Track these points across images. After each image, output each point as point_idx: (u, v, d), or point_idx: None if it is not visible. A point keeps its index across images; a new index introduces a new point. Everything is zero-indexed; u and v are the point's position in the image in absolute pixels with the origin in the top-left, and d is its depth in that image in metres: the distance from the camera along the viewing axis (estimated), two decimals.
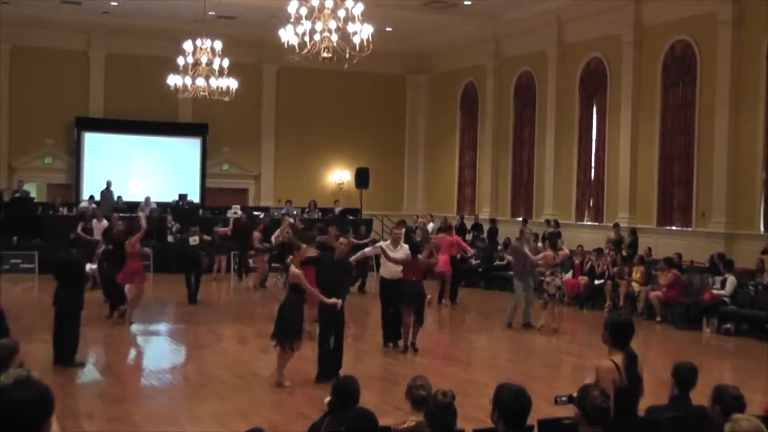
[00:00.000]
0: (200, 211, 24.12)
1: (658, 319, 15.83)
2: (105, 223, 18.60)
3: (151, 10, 23.24)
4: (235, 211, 22.99)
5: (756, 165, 17.53)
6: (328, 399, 5.29)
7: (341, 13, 12.33)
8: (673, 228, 19.49)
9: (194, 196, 25.70)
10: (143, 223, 14.57)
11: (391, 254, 12.33)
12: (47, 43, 25.02)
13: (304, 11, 12.39)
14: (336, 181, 28.66)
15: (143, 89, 25.13)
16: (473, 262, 20.54)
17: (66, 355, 10.59)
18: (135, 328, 13.91)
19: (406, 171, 29.67)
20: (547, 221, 21.43)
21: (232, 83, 19.29)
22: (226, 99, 19.31)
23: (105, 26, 25.02)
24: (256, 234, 19.04)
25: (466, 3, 22.17)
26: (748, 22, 17.72)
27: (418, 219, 24.09)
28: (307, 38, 12.46)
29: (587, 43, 22.01)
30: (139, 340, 13.46)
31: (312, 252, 11.32)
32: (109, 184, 24.07)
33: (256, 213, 22.84)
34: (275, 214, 22.46)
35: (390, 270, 12.46)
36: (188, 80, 19.12)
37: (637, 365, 5.50)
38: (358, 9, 12.28)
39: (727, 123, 17.89)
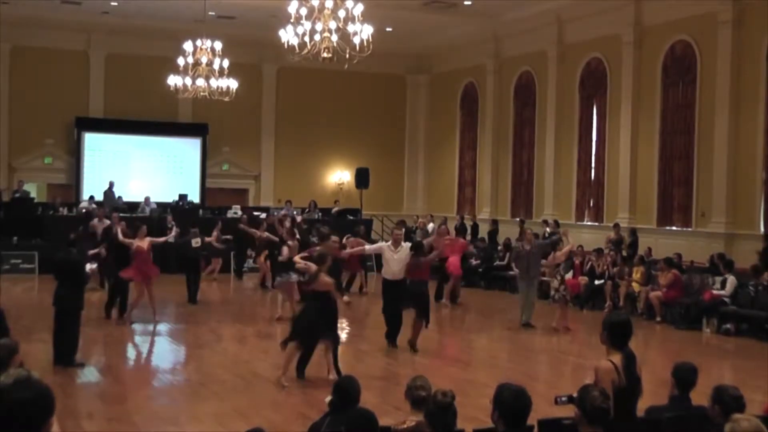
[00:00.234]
0: (200, 212, 24.12)
1: (658, 319, 15.82)
2: (106, 222, 18.65)
3: (151, 10, 23.23)
4: (235, 212, 23.06)
5: (756, 165, 17.53)
6: (328, 399, 5.30)
7: (341, 14, 12.34)
8: (673, 228, 19.49)
9: (194, 196, 25.70)
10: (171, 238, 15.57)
11: (394, 255, 12.39)
12: (47, 43, 25.02)
13: (304, 11, 12.40)
14: (336, 181, 28.66)
15: (143, 89, 25.12)
16: (473, 262, 20.61)
17: (66, 355, 10.59)
18: (135, 327, 13.93)
19: (406, 171, 29.67)
20: (545, 221, 21.45)
21: (232, 83, 19.30)
22: (226, 99, 19.32)
23: (105, 26, 25.01)
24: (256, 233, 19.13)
25: (466, 3, 22.17)
26: (748, 22, 17.72)
27: (418, 219, 24.10)
28: (307, 38, 12.46)
29: (587, 43, 22.01)
30: (139, 340, 13.46)
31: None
32: (111, 184, 24.09)
33: (256, 213, 22.87)
34: (275, 214, 22.47)
35: (392, 270, 12.48)
36: (188, 80, 19.13)
37: (636, 365, 5.50)
38: (358, 9, 12.29)
39: (727, 123, 17.89)
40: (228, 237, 20.51)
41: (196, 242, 16.99)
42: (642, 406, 5.71)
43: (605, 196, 21.46)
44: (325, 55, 12.49)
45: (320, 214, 24.34)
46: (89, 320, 12.85)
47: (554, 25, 22.80)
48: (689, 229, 19.01)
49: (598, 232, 20.81)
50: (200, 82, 19.04)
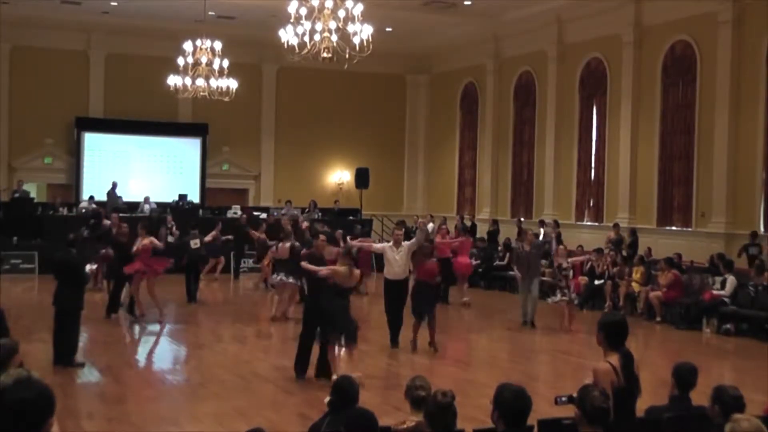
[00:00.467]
0: (200, 212, 24.11)
1: (658, 319, 15.82)
2: (108, 222, 18.61)
3: (151, 10, 23.23)
4: (235, 211, 23.06)
5: (756, 165, 17.53)
6: (327, 399, 5.30)
7: (341, 14, 12.34)
8: (673, 228, 19.49)
9: (194, 196, 25.69)
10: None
11: (395, 255, 12.47)
12: (47, 43, 25.02)
13: (304, 11, 12.40)
14: (336, 181, 28.65)
15: (143, 89, 25.12)
16: (473, 262, 20.57)
17: (66, 355, 10.59)
18: (135, 327, 13.94)
19: (406, 171, 29.67)
20: (541, 221, 21.45)
21: (232, 83, 19.30)
22: (226, 99, 19.32)
23: (105, 26, 25.01)
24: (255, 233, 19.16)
25: (466, 3, 22.17)
26: (748, 22, 17.72)
27: (418, 219, 24.09)
28: (307, 38, 12.46)
29: (587, 43, 22.01)
30: (139, 340, 13.45)
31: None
32: (114, 185, 24.09)
33: (256, 213, 22.87)
34: (275, 214, 22.48)
35: (393, 270, 12.50)
36: (188, 80, 19.13)
37: (634, 365, 5.49)
38: (358, 9, 12.29)
39: (727, 123, 17.88)
40: (229, 237, 20.52)
41: (195, 243, 16.99)
42: (642, 406, 5.71)
43: (605, 196, 21.46)
44: (325, 55, 12.49)
45: (320, 214, 24.33)
46: (89, 320, 12.84)
47: (554, 25, 22.80)
48: (689, 229, 19.01)
49: (598, 232, 20.81)
50: (200, 82, 19.04)
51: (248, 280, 20.73)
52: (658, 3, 19.61)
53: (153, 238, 14.68)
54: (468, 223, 23.96)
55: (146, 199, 23.71)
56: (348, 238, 16.90)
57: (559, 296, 14.78)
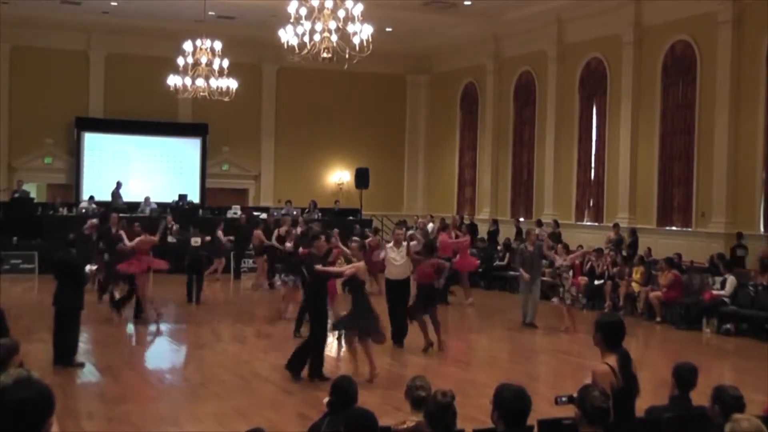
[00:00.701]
0: (200, 211, 24.11)
1: (658, 319, 15.81)
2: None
3: (151, 10, 23.23)
4: (235, 211, 23.04)
5: (756, 165, 17.53)
6: (327, 399, 5.30)
7: (341, 14, 12.34)
8: (673, 228, 19.49)
9: (194, 196, 25.69)
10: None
11: (397, 256, 12.49)
12: (47, 43, 25.03)
13: (304, 11, 12.40)
14: (336, 181, 28.66)
15: (143, 89, 25.12)
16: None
17: (66, 355, 10.59)
18: (135, 327, 13.94)
19: (406, 171, 29.67)
20: (539, 221, 21.43)
21: (232, 83, 19.29)
22: (226, 99, 19.31)
23: (105, 26, 25.01)
24: (258, 233, 19.10)
25: (466, 3, 22.17)
26: (748, 22, 17.72)
27: (417, 219, 24.09)
28: (306, 38, 12.46)
29: (587, 43, 22.01)
30: (139, 340, 13.45)
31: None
32: (119, 185, 24.12)
33: (256, 213, 22.85)
34: (275, 214, 22.46)
35: (395, 271, 12.49)
36: (188, 80, 19.12)
37: (631, 365, 5.48)
38: (358, 9, 12.29)
39: (727, 123, 17.88)
40: (230, 238, 20.52)
41: (195, 241, 16.95)
42: (642, 406, 5.71)
43: (605, 196, 21.46)
44: (324, 55, 12.49)
45: (320, 214, 24.33)
46: (89, 320, 12.84)
47: (554, 25, 22.80)
48: (689, 229, 19.01)
49: (598, 232, 20.80)
50: (200, 82, 19.04)
51: (248, 280, 20.72)
52: (658, 3, 19.61)
53: (147, 234, 14.67)
54: (466, 223, 23.94)
55: (146, 200, 23.70)
56: (367, 242, 16.87)
57: (557, 300, 14.78)
